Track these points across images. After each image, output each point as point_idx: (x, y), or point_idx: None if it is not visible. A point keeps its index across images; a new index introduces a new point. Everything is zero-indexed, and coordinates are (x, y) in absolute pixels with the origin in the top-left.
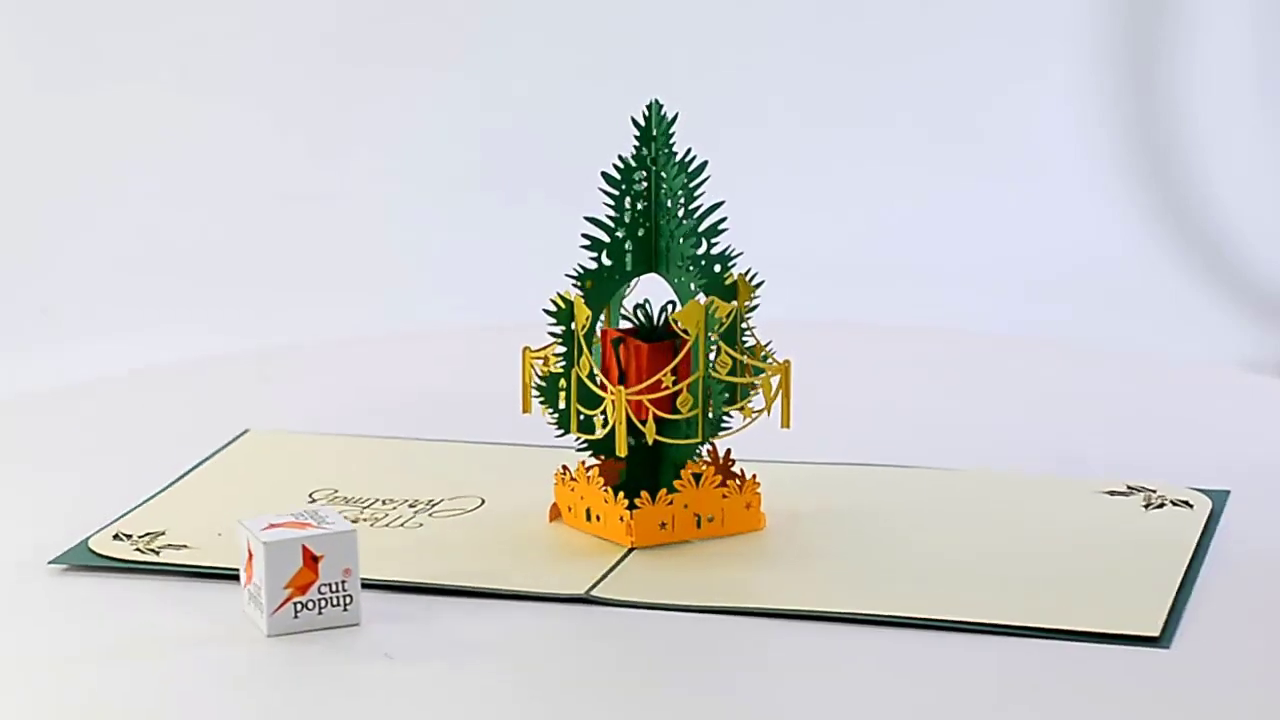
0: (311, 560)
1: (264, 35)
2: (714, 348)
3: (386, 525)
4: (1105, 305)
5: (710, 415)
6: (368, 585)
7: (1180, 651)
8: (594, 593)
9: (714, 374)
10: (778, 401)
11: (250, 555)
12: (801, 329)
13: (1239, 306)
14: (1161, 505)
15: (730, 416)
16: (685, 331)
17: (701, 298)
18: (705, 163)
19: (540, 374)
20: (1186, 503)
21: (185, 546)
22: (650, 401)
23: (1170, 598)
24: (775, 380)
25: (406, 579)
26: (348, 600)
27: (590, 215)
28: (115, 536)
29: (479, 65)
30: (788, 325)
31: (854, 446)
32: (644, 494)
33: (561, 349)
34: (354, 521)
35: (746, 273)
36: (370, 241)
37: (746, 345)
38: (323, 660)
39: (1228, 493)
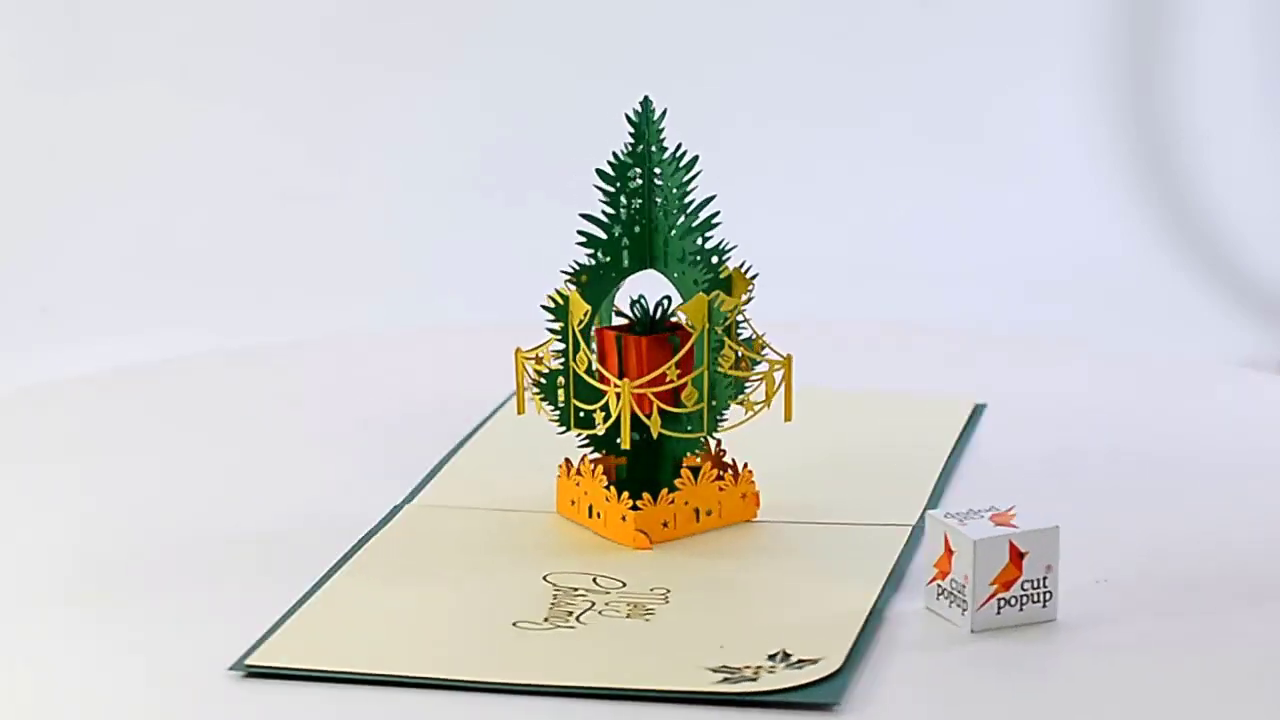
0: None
1: (264, 36)
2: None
3: None
4: (1105, 305)
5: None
6: None
7: None
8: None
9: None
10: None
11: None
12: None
13: (1239, 306)
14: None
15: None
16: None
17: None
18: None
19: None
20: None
21: None
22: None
23: None
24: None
25: None
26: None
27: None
28: None
29: (478, 65)
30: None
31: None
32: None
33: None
34: None
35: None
36: (370, 241)
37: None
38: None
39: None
